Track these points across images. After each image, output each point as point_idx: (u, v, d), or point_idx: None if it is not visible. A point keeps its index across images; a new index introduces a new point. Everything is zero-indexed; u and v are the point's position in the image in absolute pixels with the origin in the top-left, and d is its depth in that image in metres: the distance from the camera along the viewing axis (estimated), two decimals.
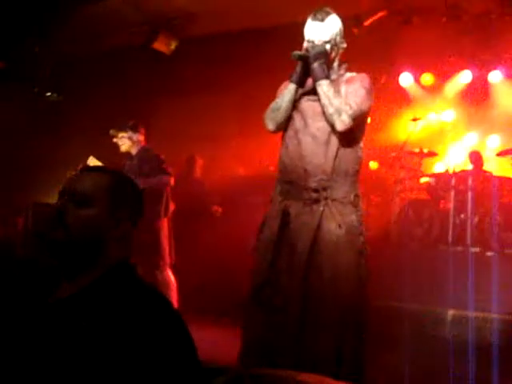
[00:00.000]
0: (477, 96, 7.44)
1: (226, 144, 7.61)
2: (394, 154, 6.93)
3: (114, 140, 5.00)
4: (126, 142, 4.97)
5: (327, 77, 3.02)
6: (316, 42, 3.06)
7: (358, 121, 3.04)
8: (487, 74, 7.41)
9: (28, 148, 7.57)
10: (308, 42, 3.10)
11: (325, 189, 2.98)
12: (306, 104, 3.10)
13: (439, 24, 6.52)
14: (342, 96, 3.01)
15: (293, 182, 3.05)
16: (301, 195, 3.01)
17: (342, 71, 3.16)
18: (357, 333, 2.96)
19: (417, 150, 6.86)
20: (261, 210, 3.36)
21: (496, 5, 6.31)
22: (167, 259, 4.92)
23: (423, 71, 7.64)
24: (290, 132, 3.12)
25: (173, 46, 7.16)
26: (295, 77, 3.10)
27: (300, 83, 3.12)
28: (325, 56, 3.04)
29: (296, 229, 3.00)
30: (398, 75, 7.75)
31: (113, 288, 1.52)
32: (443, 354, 3.85)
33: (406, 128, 7.24)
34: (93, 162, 4.95)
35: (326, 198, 2.98)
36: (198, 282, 5.84)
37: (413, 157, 6.99)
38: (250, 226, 3.40)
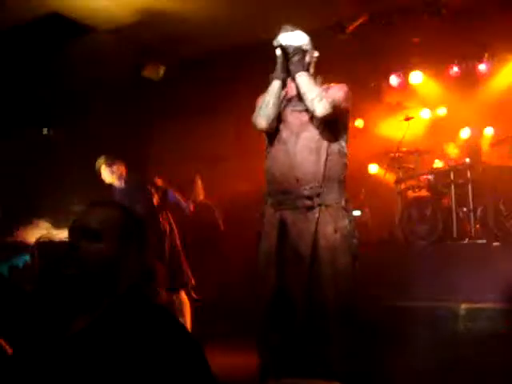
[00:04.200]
0: (467, 89, 7.47)
1: (225, 163, 7.64)
2: (391, 155, 6.96)
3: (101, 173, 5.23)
4: (106, 175, 5.20)
5: (307, 70, 3.12)
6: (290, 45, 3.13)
7: (338, 117, 3.12)
8: (475, 67, 7.45)
9: (30, 184, 7.62)
10: (281, 47, 3.14)
11: (318, 195, 3.03)
12: (292, 116, 3.16)
13: (421, 21, 6.57)
14: None
15: (285, 192, 3.09)
16: (295, 204, 3.06)
17: (317, 83, 3.20)
18: (351, 334, 2.98)
19: (413, 149, 6.92)
20: None
21: None
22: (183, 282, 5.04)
23: (411, 70, 7.68)
24: (277, 144, 3.17)
25: (161, 72, 7.24)
26: (277, 73, 3.17)
27: (282, 81, 3.17)
28: (302, 52, 3.13)
29: (295, 237, 3.04)
30: (388, 77, 7.79)
31: (125, 315, 1.55)
32: (458, 348, 3.86)
33: (401, 128, 7.27)
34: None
35: (319, 205, 3.03)
36: (210, 303, 5.85)
37: (410, 156, 7.03)
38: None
